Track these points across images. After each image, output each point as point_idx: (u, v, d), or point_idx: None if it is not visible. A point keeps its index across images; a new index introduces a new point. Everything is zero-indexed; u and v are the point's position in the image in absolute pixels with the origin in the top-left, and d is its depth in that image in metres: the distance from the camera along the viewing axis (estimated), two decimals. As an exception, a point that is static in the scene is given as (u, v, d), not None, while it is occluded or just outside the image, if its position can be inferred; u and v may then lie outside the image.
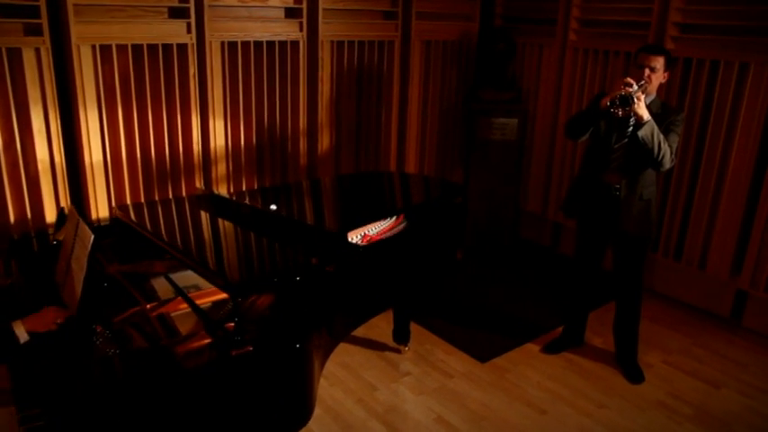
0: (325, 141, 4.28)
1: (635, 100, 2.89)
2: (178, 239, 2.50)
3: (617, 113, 2.92)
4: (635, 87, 2.97)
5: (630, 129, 3.12)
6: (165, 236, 2.55)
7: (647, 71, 3.09)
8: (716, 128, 3.89)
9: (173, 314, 2.21)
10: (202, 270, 2.23)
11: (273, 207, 2.50)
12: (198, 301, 2.22)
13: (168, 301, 2.27)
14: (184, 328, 2.12)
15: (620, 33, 4.27)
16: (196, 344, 1.94)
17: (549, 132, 4.86)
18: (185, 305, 2.20)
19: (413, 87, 4.63)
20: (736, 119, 3.79)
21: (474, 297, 4.33)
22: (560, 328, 3.83)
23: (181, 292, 2.21)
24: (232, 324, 2.03)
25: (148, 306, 2.19)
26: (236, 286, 2.09)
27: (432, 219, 3.24)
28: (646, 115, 2.97)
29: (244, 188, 4.00)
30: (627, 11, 4.21)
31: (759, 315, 3.94)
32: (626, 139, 3.17)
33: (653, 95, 3.18)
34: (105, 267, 2.47)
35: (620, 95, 2.91)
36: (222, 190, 3.91)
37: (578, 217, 3.48)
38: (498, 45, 4.74)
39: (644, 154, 3.06)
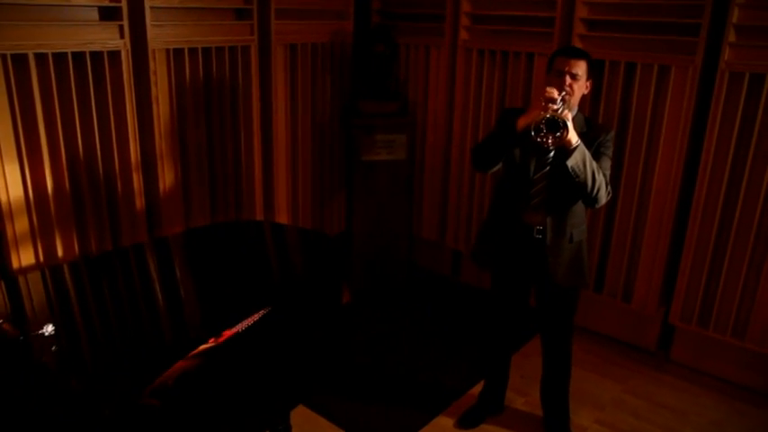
0: (167, 176, 3.34)
1: (567, 124, 2.21)
2: None
3: (546, 143, 2.24)
4: (559, 104, 2.30)
5: (551, 154, 2.47)
6: None
7: (567, 79, 2.45)
8: (635, 141, 3.36)
9: None
10: None
11: (50, 329, 1.57)
12: None
13: None
14: None
15: (520, 31, 3.66)
16: None
17: (442, 148, 4.19)
18: None
19: (277, 102, 3.78)
20: (658, 130, 3.27)
21: (370, 355, 3.58)
22: (476, 388, 3.19)
23: None
24: None
25: None
26: None
27: (306, 290, 2.44)
28: (575, 139, 2.31)
29: (59, 248, 2.99)
30: (526, 4, 3.59)
31: (687, 348, 3.50)
32: (548, 167, 2.52)
33: (575, 110, 2.54)
34: None
35: (547, 118, 2.22)
36: (26, 255, 2.89)
37: (493, 266, 2.80)
38: (377, 47, 3.99)
39: (572, 186, 2.41)
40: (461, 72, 3.94)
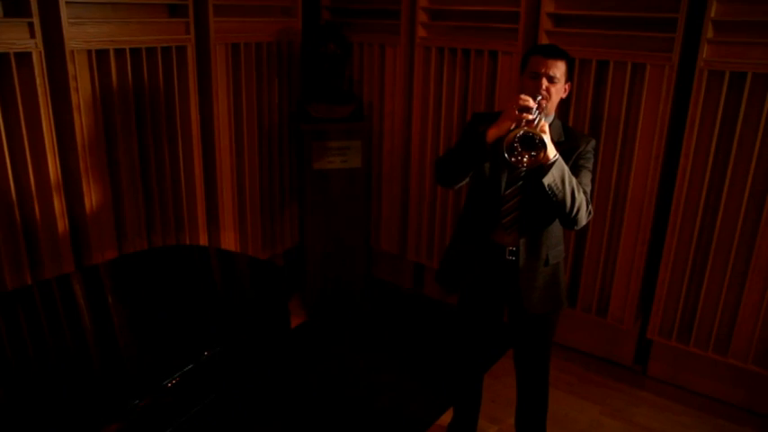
0: (94, 195, 2.96)
1: (545, 140, 1.94)
2: None
3: (521, 162, 1.96)
4: (535, 113, 2.03)
5: (524, 167, 2.20)
6: None
7: (544, 82, 2.18)
8: (609, 145, 3.13)
9: None
10: None
11: None
12: None
13: None
14: None
15: (483, 27, 3.39)
16: None
17: (400, 154, 3.90)
18: None
19: (219, 108, 3.43)
20: (633, 133, 3.05)
21: (325, 381, 3.27)
22: (444, 417, 2.93)
23: None
24: None
25: None
26: None
27: (251, 327, 2.14)
28: (552, 154, 2.04)
29: (-35, 281, 2.60)
30: (488, -2, 3.33)
31: (665, 363, 3.31)
32: (520, 182, 2.25)
33: (552, 116, 2.28)
34: None
35: (522, 135, 1.93)
36: None
37: (460, 291, 2.52)
38: (328, 46, 3.67)
39: (548, 204, 2.15)
40: (420, 72, 3.66)
